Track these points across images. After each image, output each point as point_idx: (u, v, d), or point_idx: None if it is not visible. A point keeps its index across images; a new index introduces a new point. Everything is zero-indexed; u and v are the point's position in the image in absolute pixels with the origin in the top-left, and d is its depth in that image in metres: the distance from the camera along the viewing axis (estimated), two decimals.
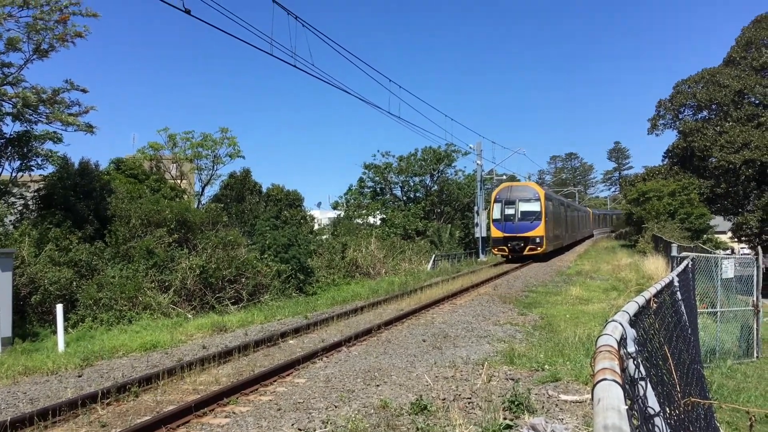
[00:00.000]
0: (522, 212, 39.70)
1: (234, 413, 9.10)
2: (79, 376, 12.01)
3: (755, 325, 17.35)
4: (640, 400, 2.64)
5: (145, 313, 19.86)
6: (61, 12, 21.81)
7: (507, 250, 39.88)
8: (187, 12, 11.81)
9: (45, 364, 12.84)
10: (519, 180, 64.08)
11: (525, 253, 39.37)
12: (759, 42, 60.86)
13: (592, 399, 2.14)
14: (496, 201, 40.76)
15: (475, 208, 50.69)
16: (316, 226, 49.42)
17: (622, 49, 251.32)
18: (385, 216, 54.21)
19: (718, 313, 17.00)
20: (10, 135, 23.29)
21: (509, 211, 39.83)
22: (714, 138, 58.27)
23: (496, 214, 40.41)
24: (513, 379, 10.18)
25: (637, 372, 2.73)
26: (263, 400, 9.75)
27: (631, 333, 3.04)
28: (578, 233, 70.33)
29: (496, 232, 40.48)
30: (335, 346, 13.80)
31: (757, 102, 59.96)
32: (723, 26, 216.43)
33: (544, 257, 41.70)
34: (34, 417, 8.86)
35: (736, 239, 64.34)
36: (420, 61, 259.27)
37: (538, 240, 39.30)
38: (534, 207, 39.79)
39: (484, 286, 25.84)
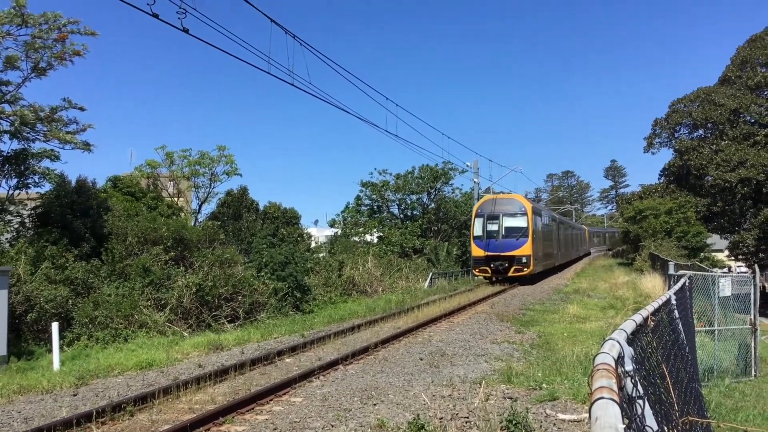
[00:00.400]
0: (506, 228, 36.09)
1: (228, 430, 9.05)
2: (74, 395, 11.93)
3: (753, 344, 17.32)
4: (638, 419, 2.63)
5: (141, 331, 19.77)
6: (59, 31, 21.89)
7: (489, 271, 36.31)
8: (185, 31, 11.87)
9: (40, 382, 12.75)
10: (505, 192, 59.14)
11: (510, 274, 35.69)
12: (754, 61, 61.27)
13: (589, 418, 2.13)
14: (477, 216, 37.37)
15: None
16: (313, 244, 49.40)
17: (617, 67, 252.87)
18: (382, 234, 54.17)
19: (716, 332, 16.97)
20: (8, 153, 23.28)
21: (492, 227, 36.24)
22: (710, 156, 58.48)
23: (477, 230, 36.99)
24: (511, 398, 10.13)
25: (634, 390, 2.72)
26: (259, 419, 9.69)
27: (629, 351, 3.03)
28: (572, 252, 66.13)
29: (477, 251, 36.91)
30: (332, 365, 13.74)
31: (752, 121, 60.26)
32: (718, 45, 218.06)
33: (532, 279, 38.28)
34: None
35: (733, 257, 64.41)
36: (417, 80, 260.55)
37: (524, 260, 35.58)
38: (520, 222, 36.18)
39: (481, 304, 25.80)
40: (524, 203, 37.29)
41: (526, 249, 35.85)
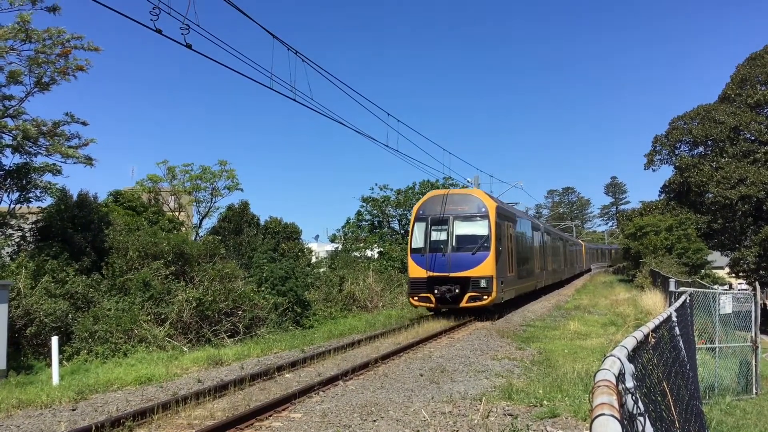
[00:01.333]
0: (459, 237, 25.62)
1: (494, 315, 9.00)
2: (74, 410, 11.90)
3: (754, 362, 17.28)
4: None
5: (141, 346, 19.72)
6: (63, 46, 22.00)
7: (433, 300, 25.11)
8: (188, 47, 11.93)
9: (39, 397, 12.72)
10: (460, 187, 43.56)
11: (463, 304, 24.72)
12: (754, 79, 61.50)
13: None
14: (417, 219, 26.51)
15: None
16: (313, 259, 49.31)
17: (618, 84, 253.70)
18: (382, 249, 54.13)
19: (717, 349, 16.95)
20: (10, 167, 23.34)
21: (438, 236, 25.77)
22: (710, 174, 58.58)
23: (416, 240, 26.27)
24: (511, 415, 10.10)
25: (635, 407, 2.73)
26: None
27: (630, 368, 3.04)
28: (565, 269, 56.09)
29: (415, 270, 25.72)
30: (332, 380, 13.70)
31: (752, 138, 60.42)
32: (718, 63, 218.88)
33: (498, 310, 27.21)
34: None
35: (733, 275, 64.34)
36: (418, 96, 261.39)
37: (483, 283, 24.59)
38: (479, 229, 25.66)
39: (482, 320, 25.75)
40: (485, 201, 26.41)
41: (486, 267, 24.89)
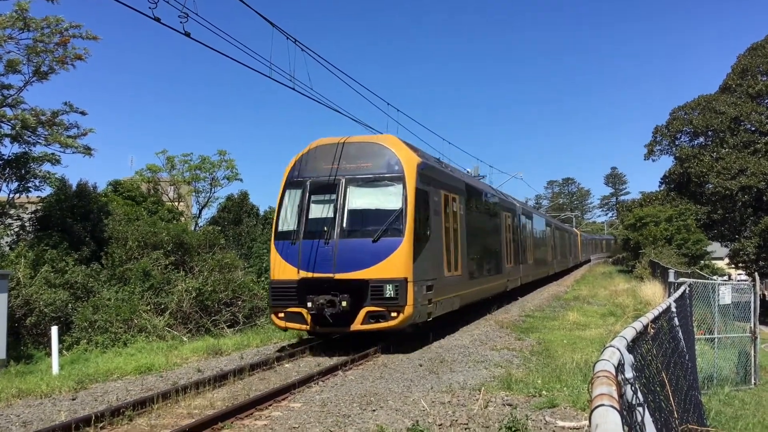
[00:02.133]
0: (353, 214, 16.24)
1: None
2: (73, 399, 11.91)
3: (753, 352, 17.32)
4: (637, 426, 2.63)
5: (141, 335, 19.76)
6: (61, 35, 21.94)
7: (307, 318, 15.80)
8: (187, 35, 11.88)
9: (39, 386, 12.73)
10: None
11: (356, 326, 15.47)
12: (755, 69, 61.43)
13: (589, 425, 2.13)
14: (290, 185, 17.08)
15: None
16: None
17: (618, 74, 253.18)
18: None
19: (716, 340, 16.98)
20: (9, 156, 23.32)
21: (320, 212, 16.46)
22: (710, 164, 58.59)
23: (284, 219, 16.95)
24: (510, 405, 10.11)
25: (634, 398, 2.73)
26: (258, 424, 9.67)
27: (629, 359, 3.03)
28: (554, 263, 47.63)
29: (280, 268, 16.36)
30: (331, 370, 13.70)
31: (753, 129, 60.40)
32: (719, 53, 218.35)
33: (420, 338, 17.22)
34: None
35: (733, 265, 64.46)
36: (418, 86, 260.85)
37: (390, 290, 15.27)
38: (386, 199, 16.26)
39: (480, 310, 25.76)
40: (400, 154, 16.53)
41: (395, 264, 15.45)
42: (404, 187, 15.76)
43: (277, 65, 30.10)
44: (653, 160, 69.04)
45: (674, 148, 65.81)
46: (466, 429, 8.89)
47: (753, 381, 17.10)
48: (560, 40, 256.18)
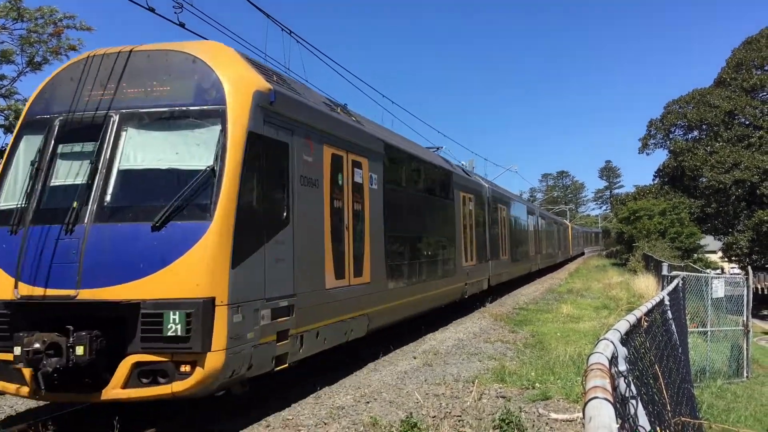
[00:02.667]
0: (124, 177, 8.71)
1: (222, 428, 9.02)
2: None
3: (745, 345, 17.40)
4: (631, 419, 2.64)
5: None
6: (55, 25, 21.81)
7: (25, 375, 7.99)
8: (182, 26, 11.79)
9: None
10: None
11: (112, 394, 7.83)
12: (749, 63, 61.51)
13: (583, 417, 2.13)
14: (26, 128, 9.53)
15: None
16: None
17: (612, 67, 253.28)
18: None
19: (709, 333, 17.05)
20: (2, 147, 23.21)
21: (70, 175, 8.87)
22: (704, 158, 58.72)
23: (8, 191, 9.22)
24: (504, 397, 10.14)
25: (628, 390, 2.73)
26: (252, 415, 9.67)
27: (623, 351, 3.04)
28: (536, 258, 41.31)
29: None
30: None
31: (747, 123, 60.53)
32: (714, 47, 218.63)
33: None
34: None
35: (726, 259, 64.69)
36: (413, 78, 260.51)
37: (176, 323, 7.74)
38: (191, 152, 8.80)
39: (474, 302, 25.79)
40: (220, 70, 9.10)
41: (193, 271, 8.05)
42: (224, 130, 8.72)
43: (272, 56, 30.03)
44: (647, 154, 69.29)
45: (668, 142, 65.95)
46: (459, 421, 8.91)
47: (745, 374, 17.18)
48: (555, 34, 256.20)
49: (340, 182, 12.03)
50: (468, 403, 9.77)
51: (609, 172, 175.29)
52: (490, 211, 26.47)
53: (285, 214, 9.86)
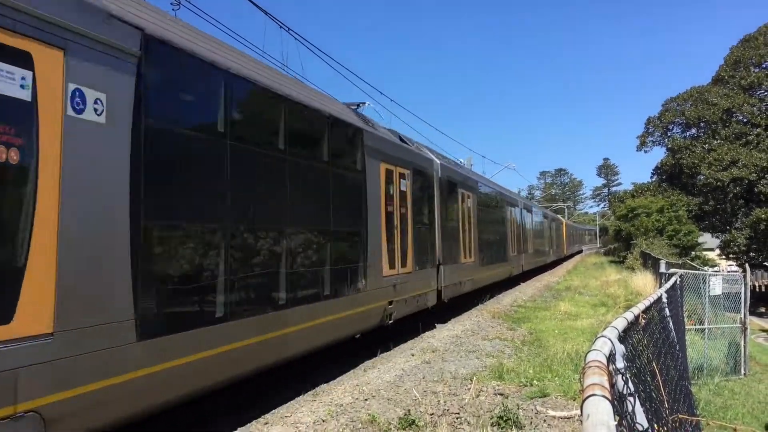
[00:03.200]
0: None
1: (218, 427, 9.03)
2: None
3: (742, 342, 17.43)
4: (628, 416, 2.64)
5: None
6: None
7: None
8: None
9: None
10: None
11: None
12: (747, 61, 61.56)
13: (581, 414, 2.14)
14: None
15: None
16: None
17: (611, 66, 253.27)
18: None
19: (706, 330, 17.08)
20: None
21: None
22: (702, 155, 58.79)
23: None
24: (502, 395, 10.15)
25: (625, 388, 2.74)
26: (249, 413, 9.69)
27: (620, 349, 3.04)
28: (520, 258, 34.89)
29: None
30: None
31: (745, 120, 60.58)
32: (712, 45, 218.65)
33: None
34: None
35: (723, 256, 64.79)
36: (410, 76, 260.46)
37: None
38: None
39: (472, 301, 25.84)
40: None
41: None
42: None
43: (270, 54, 29.95)
44: (645, 152, 69.36)
45: (666, 140, 66.04)
46: (457, 418, 8.92)
47: (743, 371, 17.22)
48: (554, 31, 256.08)
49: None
50: (466, 400, 9.79)
51: (607, 170, 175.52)
52: (443, 196, 19.67)
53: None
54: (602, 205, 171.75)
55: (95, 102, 6.35)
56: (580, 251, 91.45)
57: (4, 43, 5.40)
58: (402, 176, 15.99)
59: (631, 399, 2.71)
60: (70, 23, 6.04)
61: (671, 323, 7.68)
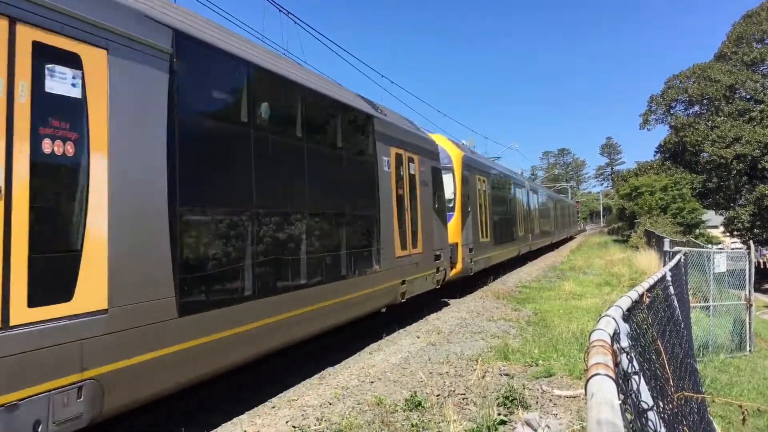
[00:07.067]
0: None
1: (227, 411, 9.08)
2: None
3: (747, 319, 17.43)
4: (633, 395, 2.65)
5: None
6: None
7: None
8: None
9: None
10: None
11: None
12: (749, 37, 61.13)
13: (585, 394, 2.14)
14: None
15: None
16: None
17: (613, 43, 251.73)
18: None
19: (711, 308, 17.08)
20: None
21: None
22: (705, 133, 58.54)
23: None
24: (507, 375, 10.19)
25: (630, 366, 2.74)
26: (256, 398, 9.74)
27: (624, 328, 3.05)
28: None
29: None
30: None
31: (748, 97, 60.25)
32: (714, 21, 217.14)
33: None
34: None
35: (728, 234, 64.71)
36: (411, 57, 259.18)
37: None
38: None
39: (477, 281, 25.88)
40: None
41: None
42: None
43: (270, 38, 29.78)
44: (648, 130, 69.08)
45: (669, 117, 65.74)
46: (463, 399, 8.96)
47: (748, 348, 17.23)
48: (555, 10, 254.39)
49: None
50: (472, 381, 9.82)
51: (610, 149, 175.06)
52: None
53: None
54: (606, 184, 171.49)
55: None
56: (584, 230, 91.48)
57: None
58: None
59: (636, 377, 2.72)
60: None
61: (676, 301, 7.68)
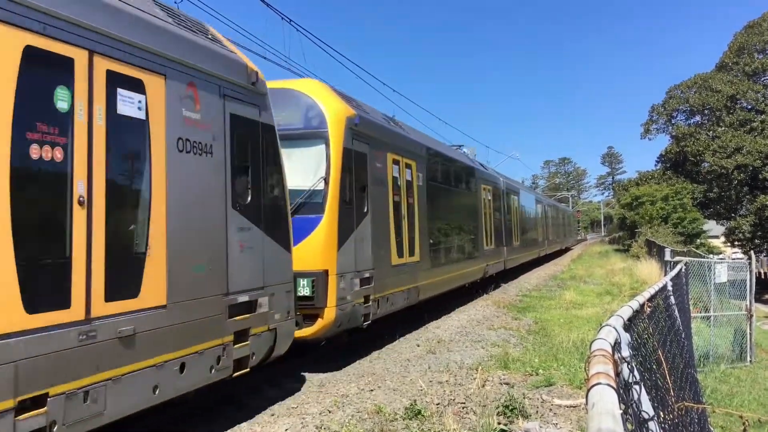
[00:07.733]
0: None
1: (225, 417, 9.06)
2: None
3: (748, 330, 17.39)
4: (634, 405, 2.64)
5: None
6: None
7: None
8: None
9: None
10: None
11: None
12: (751, 47, 61.20)
13: (586, 403, 2.14)
14: None
15: None
16: None
17: (616, 54, 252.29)
18: None
19: (712, 318, 17.04)
20: None
21: None
22: (707, 143, 58.56)
23: None
24: (507, 384, 10.17)
25: (631, 376, 2.74)
26: (257, 404, 9.71)
27: (626, 337, 3.04)
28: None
29: None
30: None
31: (749, 107, 60.29)
32: (716, 32, 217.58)
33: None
34: None
35: (729, 244, 64.64)
36: (414, 66, 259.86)
37: None
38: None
39: (478, 290, 25.85)
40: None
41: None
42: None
43: (272, 46, 29.80)
44: (649, 139, 69.03)
45: (670, 127, 65.77)
46: (463, 408, 8.94)
47: (749, 358, 17.19)
48: (556, 20, 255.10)
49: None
50: (472, 390, 9.80)
51: (611, 158, 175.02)
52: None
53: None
54: (606, 193, 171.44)
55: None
56: (584, 240, 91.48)
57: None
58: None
59: (637, 387, 2.71)
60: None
61: (677, 311, 7.68)
